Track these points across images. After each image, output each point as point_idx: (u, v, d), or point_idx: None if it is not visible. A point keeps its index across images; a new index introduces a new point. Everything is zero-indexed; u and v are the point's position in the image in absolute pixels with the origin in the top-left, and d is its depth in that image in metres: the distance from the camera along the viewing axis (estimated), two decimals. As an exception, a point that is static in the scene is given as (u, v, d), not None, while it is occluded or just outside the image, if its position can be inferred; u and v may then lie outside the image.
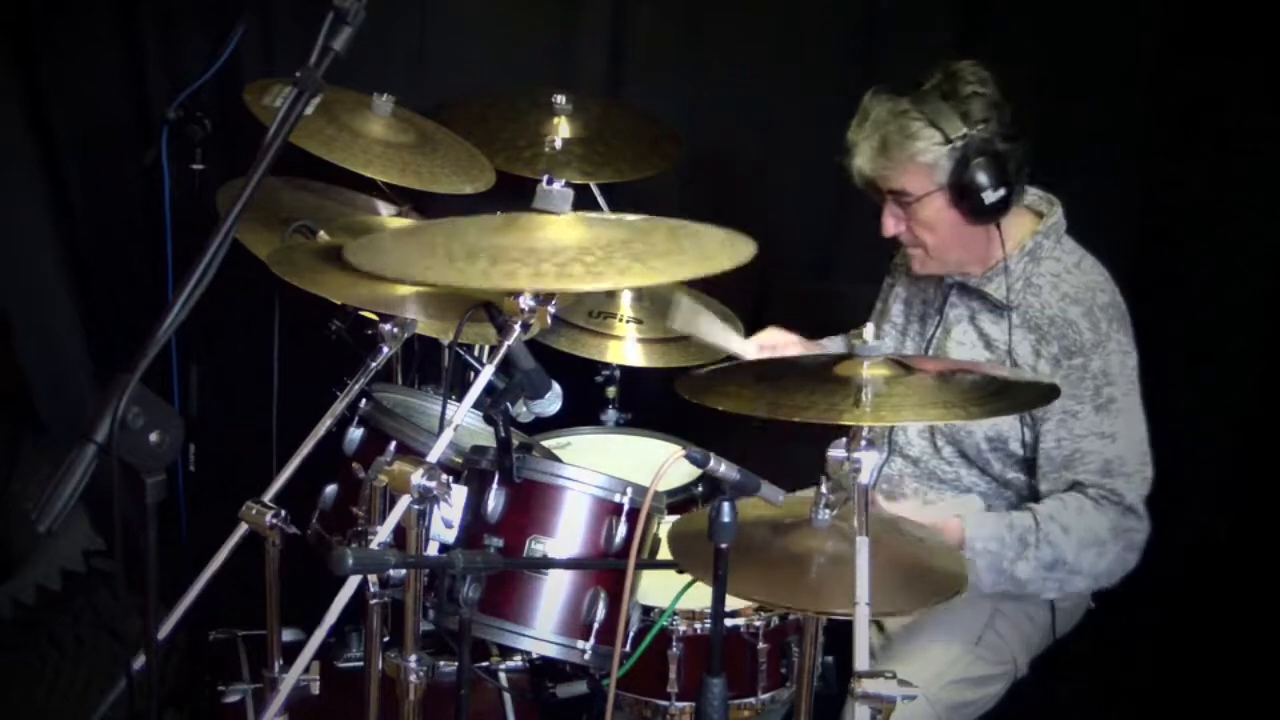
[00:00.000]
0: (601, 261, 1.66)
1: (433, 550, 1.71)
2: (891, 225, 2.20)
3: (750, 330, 2.86)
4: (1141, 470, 2.15)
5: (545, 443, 2.53)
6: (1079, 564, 2.10)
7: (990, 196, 2.09)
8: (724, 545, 1.56)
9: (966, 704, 2.18)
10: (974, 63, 2.12)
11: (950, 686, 2.15)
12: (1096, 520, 2.10)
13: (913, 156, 2.09)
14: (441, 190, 2.50)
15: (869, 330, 1.71)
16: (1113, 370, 2.13)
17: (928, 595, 1.67)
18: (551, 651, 1.86)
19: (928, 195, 2.11)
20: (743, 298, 2.82)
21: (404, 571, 1.68)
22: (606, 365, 2.90)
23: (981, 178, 2.07)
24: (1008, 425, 2.18)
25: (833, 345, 2.62)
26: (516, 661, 2.31)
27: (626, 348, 2.75)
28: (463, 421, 1.89)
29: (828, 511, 1.69)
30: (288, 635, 2.09)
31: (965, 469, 2.26)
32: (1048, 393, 1.78)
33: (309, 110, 1.47)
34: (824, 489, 1.69)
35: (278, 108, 1.48)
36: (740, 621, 2.03)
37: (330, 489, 2.13)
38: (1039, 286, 2.19)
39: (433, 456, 1.72)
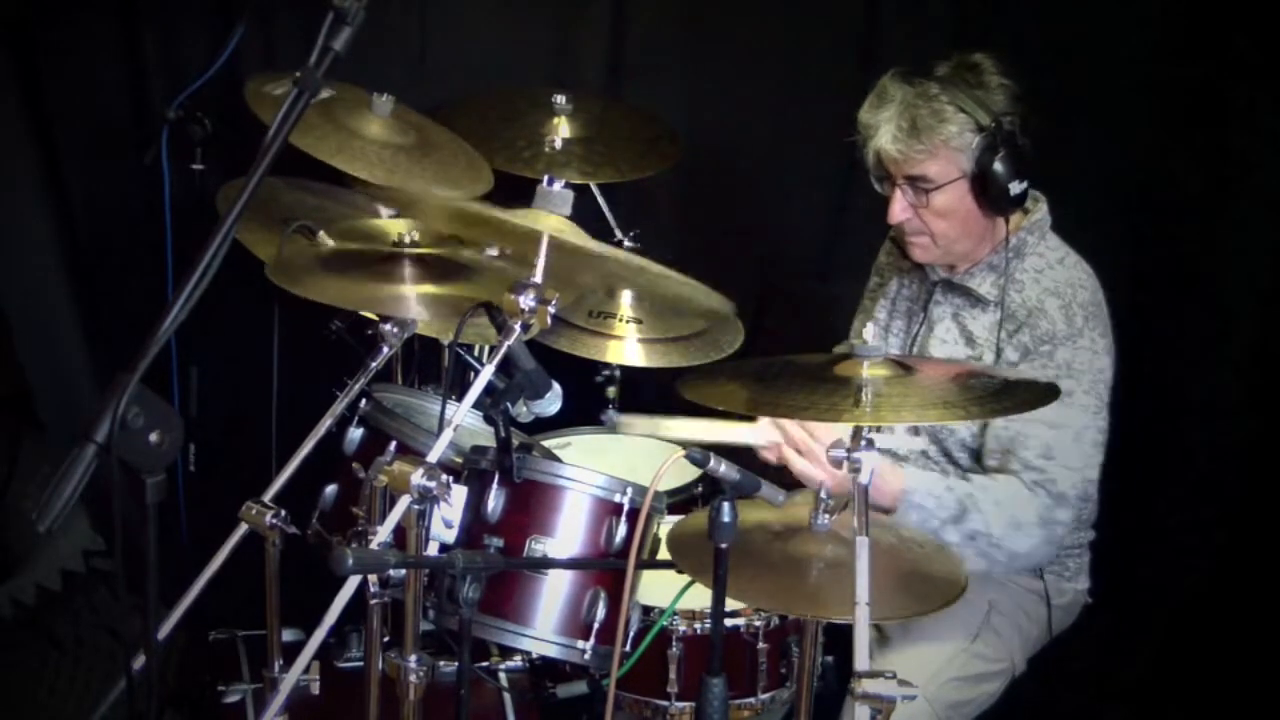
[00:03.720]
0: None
1: (433, 550, 1.71)
2: (899, 212, 2.16)
3: (751, 331, 2.87)
4: (1082, 470, 2.12)
5: (545, 443, 2.53)
6: (1002, 541, 2.07)
7: (1015, 188, 2.09)
8: (724, 545, 1.56)
9: (965, 702, 2.18)
10: (991, 55, 2.12)
11: (948, 685, 2.15)
12: (1026, 504, 2.09)
13: (946, 140, 2.07)
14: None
15: (869, 331, 1.71)
16: (1077, 365, 2.12)
17: (924, 602, 1.67)
18: (551, 651, 1.86)
19: (950, 183, 2.10)
20: (743, 298, 2.82)
21: (404, 571, 1.68)
22: (606, 365, 2.90)
23: (1007, 168, 2.08)
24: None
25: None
26: (516, 661, 2.31)
27: (626, 348, 2.75)
28: (463, 421, 1.89)
29: (827, 517, 1.69)
30: (288, 635, 2.09)
31: (948, 467, 2.26)
32: (1047, 393, 1.78)
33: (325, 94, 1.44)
34: (823, 494, 1.69)
35: (278, 96, 1.47)
36: (740, 621, 2.03)
37: (330, 489, 2.13)
38: (1021, 281, 2.19)
39: (433, 456, 1.72)
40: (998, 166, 2.07)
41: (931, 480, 2.10)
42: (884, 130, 2.10)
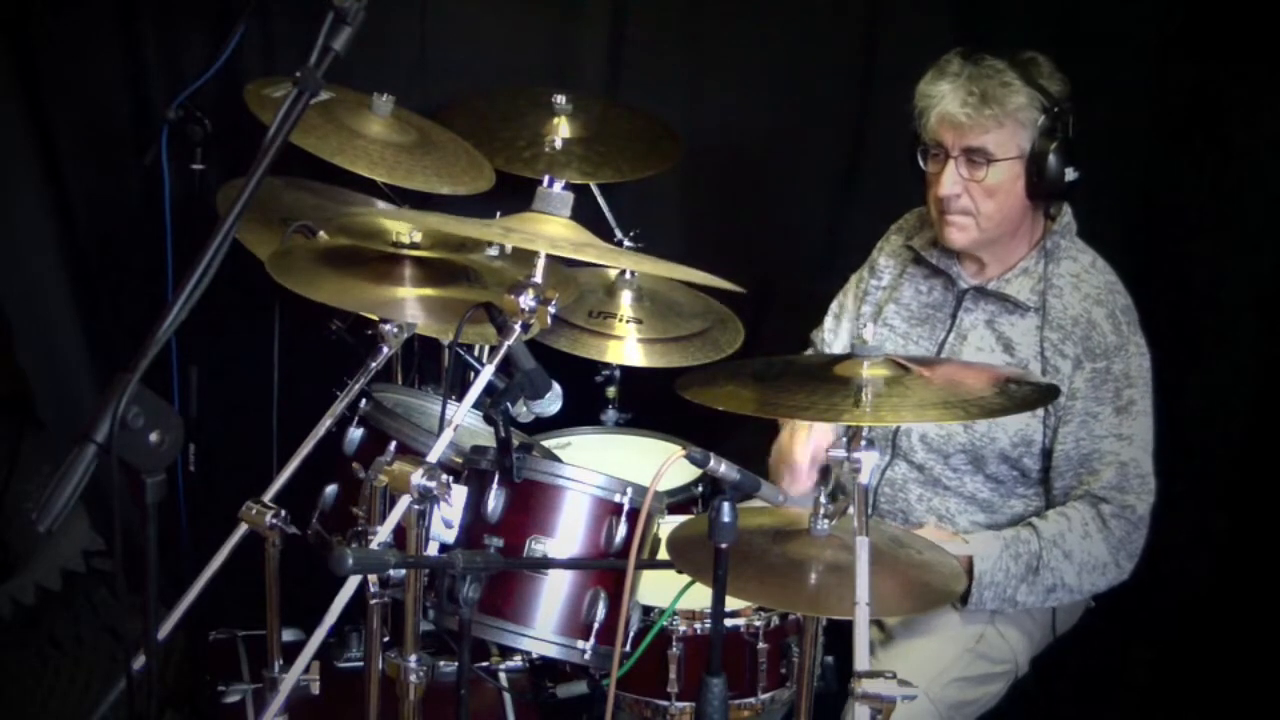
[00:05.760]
0: (609, 252, 1.67)
1: (433, 550, 1.71)
2: (950, 185, 2.14)
3: (751, 331, 2.86)
4: (1150, 477, 2.16)
5: (545, 443, 2.53)
6: (1080, 586, 2.13)
7: (1069, 174, 2.11)
8: (724, 545, 1.56)
9: (968, 702, 2.18)
10: (1042, 55, 2.14)
11: (952, 685, 2.15)
12: (1100, 544, 2.12)
13: (1015, 111, 2.08)
14: (437, 191, 2.50)
15: (869, 331, 1.71)
16: (1133, 373, 2.16)
17: (923, 604, 1.67)
18: (551, 651, 1.86)
19: (1009, 159, 2.11)
20: (743, 298, 2.82)
21: (404, 571, 1.68)
22: (606, 365, 2.90)
23: (1062, 154, 2.09)
24: (1034, 430, 2.18)
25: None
26: (516, 661, 2.31)
27: (626, 348, 2.75)
28: (463, 421, 1.89)
29: (827, 521, 1.69)
30: (288, 635, 2.10)
31: (971, 477, 2.26)
32: (1046, 393, 1.78)
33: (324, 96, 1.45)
34: (822, 499, 1.69)
35: (278, 98, 1.47)
36: (740, 621, 2.03)
37: (330, 489, 2.13)
38: (1060, 288, 2.19)
39: (433, 456, 1.72)
40: (1055, 150, 2.08)
41: (996, 552, 2.10)
42: (951, 96, 2.09)
